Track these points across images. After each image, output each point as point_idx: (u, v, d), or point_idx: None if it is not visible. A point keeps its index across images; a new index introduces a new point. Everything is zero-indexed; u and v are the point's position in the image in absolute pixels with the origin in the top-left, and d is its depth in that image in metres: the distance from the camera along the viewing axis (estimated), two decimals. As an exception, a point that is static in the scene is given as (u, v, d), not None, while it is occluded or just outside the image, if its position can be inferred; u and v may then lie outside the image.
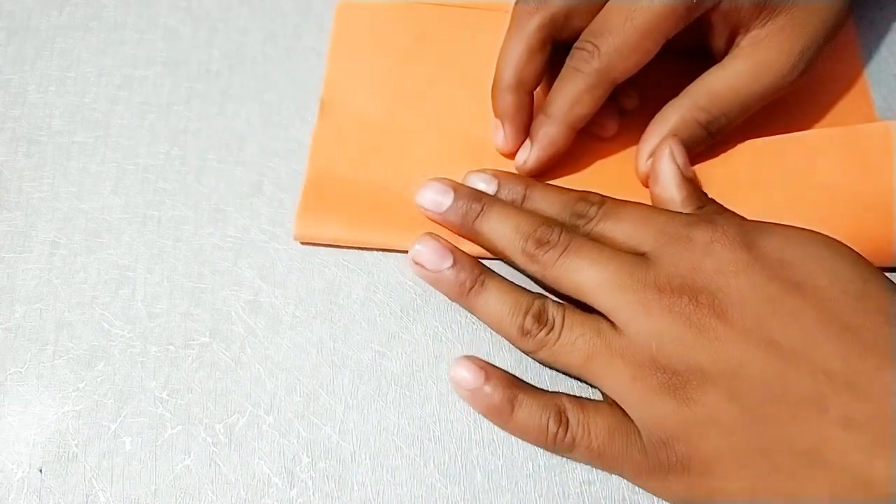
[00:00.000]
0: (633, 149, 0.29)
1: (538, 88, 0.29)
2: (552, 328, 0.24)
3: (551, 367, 0.26)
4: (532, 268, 0.25)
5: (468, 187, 0.27)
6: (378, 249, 0.28)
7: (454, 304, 0.27)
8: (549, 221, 0.25)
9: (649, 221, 0.24)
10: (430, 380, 0.26)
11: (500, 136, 0.29)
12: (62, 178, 0.30)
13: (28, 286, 0.28)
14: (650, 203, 0.27)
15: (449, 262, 0.26)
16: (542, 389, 0.25)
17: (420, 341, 0.27)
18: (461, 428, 0.26)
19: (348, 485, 0.25)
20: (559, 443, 0.24)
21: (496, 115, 0.29)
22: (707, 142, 0.28)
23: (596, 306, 0.24)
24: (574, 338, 0.24)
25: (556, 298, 0.26)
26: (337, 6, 0.33)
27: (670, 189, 0.26)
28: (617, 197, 0.29)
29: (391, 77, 0.32)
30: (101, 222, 0.29)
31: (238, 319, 0.27)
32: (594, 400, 0.25)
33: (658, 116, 0.28)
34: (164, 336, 0.27)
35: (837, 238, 0.27)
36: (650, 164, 0.28)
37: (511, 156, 0.29)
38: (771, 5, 0.26)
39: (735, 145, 0.29)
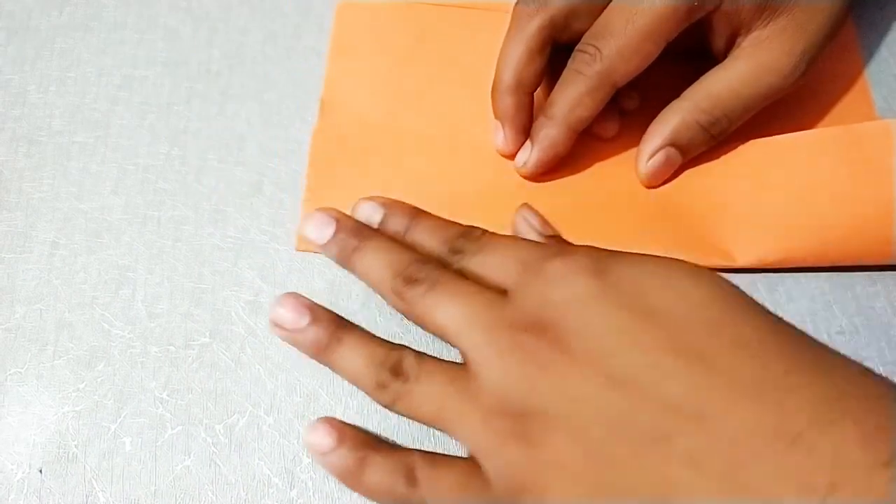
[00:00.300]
0: (633, 150, 0.29)
1: (539, 90, 0.29)
2: (407, 379, 0.22)
3: (413, 420, 0.24)
4: (400, 306, 0.24)
5: (352, 220, 0.26)
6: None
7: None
8: (421, 259, 0.24)
9: (512, 255, 0.23)
10: (431, 380, 0.26)
11: (499, 137, 0.29)
12: (62, 178, 0.30)
13: (28, 286, 0.28)
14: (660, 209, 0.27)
15: (306, 319, 0.24)
16: (397, 447, 0.24)
17: (420, 341, 0.27)
18: (461, 428, 0.26)
19: (348, 485, 0.25)
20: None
21: (496, 117, 0.29)
22: (708, 143, 0.28)
23: (455, 346, 0.22)
24: (427, 387, 0.22)
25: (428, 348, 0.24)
26: (337, 6, 0.33)
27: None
28: (616, 198, 0.29)
29: (391, 77, 0.32)
30: (102, 222, 0.29)
31: (238, 320, 0.27)
32: (449, 455, 0.23)
33: (659, 118, 0.28)
34: (165, 336, 0.27)
35: (838, 237, 0.27)
36: (650, 165, 0.28)
37: (511, 157, 0.29)
38: (772, 6, 0.26)
39: (736, 146, 0.29)
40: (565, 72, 0.27)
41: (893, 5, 0.34)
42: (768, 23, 0.26)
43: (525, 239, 0.25)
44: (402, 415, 0.23)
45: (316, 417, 0.23)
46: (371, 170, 0.30)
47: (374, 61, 0.32)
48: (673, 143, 0.28)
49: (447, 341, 0.23)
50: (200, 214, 0.29)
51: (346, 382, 0.26)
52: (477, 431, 0.21)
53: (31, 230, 0.29)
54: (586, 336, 0.20)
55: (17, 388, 0.26)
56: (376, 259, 0.24)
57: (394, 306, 0.24)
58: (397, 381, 0.22)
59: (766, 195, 0.28)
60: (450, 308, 0.22)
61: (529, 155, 0.28)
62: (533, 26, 0.27)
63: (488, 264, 0.24)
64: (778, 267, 0.28)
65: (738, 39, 0.27)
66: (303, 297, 0.25)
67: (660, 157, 0.28)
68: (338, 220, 0.25)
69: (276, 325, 0.24)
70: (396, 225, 0.26)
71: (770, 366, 0.18)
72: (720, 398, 0.18)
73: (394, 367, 0.23)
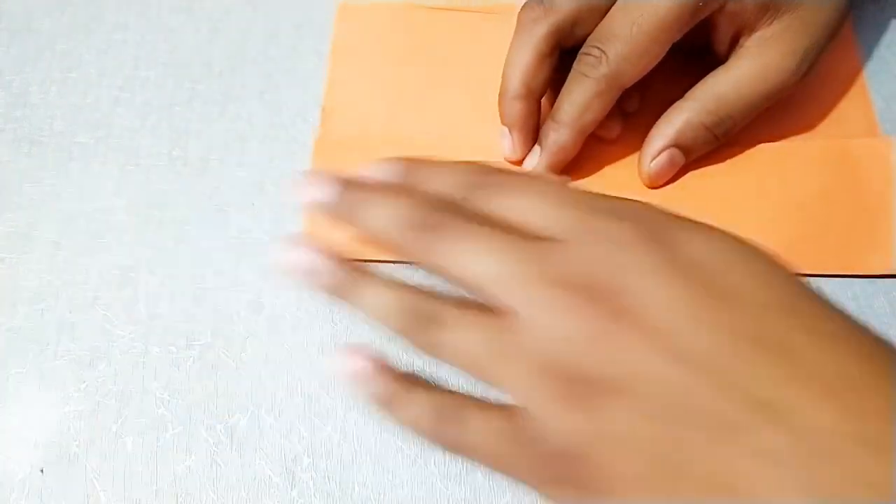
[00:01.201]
0: (636, 151, 0.29)
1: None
2: (441, 327, 0.20)
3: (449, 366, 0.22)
4: (415, 255, 0.21)
5: (349, 180, 0.23)
6: (383, 261, 0.28)
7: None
8: (433, 202, 0.21)
9: (554, 200, 0.21)
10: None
11: (507, 143, 0.29)
12: (64, 178, 0.30)
13: (30, 287, 0.28)
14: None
15: (325, 259, 0.21)
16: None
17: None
18: (463, 428, 0.26)
19: (349, 485, 0.25)
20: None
21: (503, 123, 0.29)
22: (712, 144, 0.28)
23: (490, 300, 0.20)
24: (468, 338, 0.20)
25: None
26: (338, 7, 0.33)
27: None
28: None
29: (392, 81, 0.32)
30: (103, 223, 0.29)
31: (239, 320, 0.28)
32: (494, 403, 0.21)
33: (663, 118, 0.28)
34: (166, 337, 0.27)
35: (835, 248, 0.27)
36: (654, 166, 0.28)
37: (518, 163, 0.29)
38: (775, 5, 0.26)
39: (739, 149, 0.29)
40: (571, 75, 0.27)
41: (893, 5, 0.34)
42: (772, 22, 0.26)
43: (566, 186, 0.21)
44: (439, 361, 0.21)
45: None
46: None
47: (375, 64, 0.32)
48: (677, 144, 0.28)
49: (481, 294, 0.20)
50: (202, 215, 0.29)
51: (346, 383, 0.26)
52: (527, 389, 0.19)
53: (33, 230, 0.29)
54: (652, 306, 0.18)
55: (19, 389, 0.26)
56: (380, 210, 0.21)
57: (408, 258, 0.21)
58: (431, 328, 0.20)
59: (767, 200, 0.28)
60: (484, 256, 0.20)
61: (538, 160, 0.28)
62: (539, 32, 0.27)
63: (519, 207, 0.21)
64: None
65: (742, 39, 0.27)
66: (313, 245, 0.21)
67: (663, 157, 0.28)
68: (336, 182, 0.22)
69: (292, 269, 0.21)
70: (392, 177, 0.23)
71: (848, 363, 0.18)
72: (801, 394, 0.17)
73: (424, 314, 0.21)
